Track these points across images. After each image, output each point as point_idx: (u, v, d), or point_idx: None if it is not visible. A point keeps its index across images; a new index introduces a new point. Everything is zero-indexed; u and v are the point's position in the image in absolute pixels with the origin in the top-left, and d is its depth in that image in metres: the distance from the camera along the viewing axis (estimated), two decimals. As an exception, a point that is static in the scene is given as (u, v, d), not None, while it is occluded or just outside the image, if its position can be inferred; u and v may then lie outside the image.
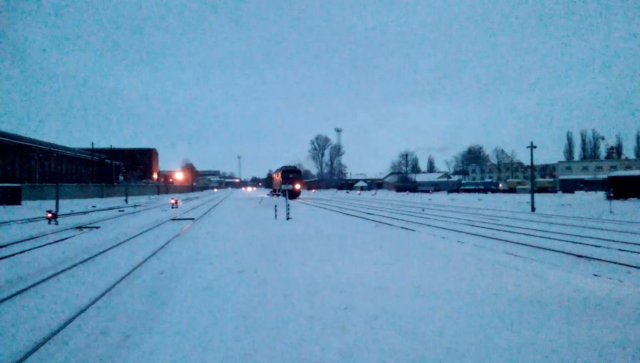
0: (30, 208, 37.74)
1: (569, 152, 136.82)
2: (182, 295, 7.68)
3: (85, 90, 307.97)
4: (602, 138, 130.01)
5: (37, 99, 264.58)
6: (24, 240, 15.83)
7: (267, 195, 74.83)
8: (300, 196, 65.10)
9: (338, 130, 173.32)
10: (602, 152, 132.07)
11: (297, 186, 60.58)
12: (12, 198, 44.05)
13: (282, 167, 68.09)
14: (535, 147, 36.75)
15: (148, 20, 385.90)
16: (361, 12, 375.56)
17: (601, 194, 63.00)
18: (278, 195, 60.02)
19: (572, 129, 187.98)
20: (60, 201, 34.36)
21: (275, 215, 25.50)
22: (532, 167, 39.32)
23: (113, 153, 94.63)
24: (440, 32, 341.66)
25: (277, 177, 68.55)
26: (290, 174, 62.58)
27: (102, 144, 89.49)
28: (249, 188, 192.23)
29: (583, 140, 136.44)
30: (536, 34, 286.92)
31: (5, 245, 14.42)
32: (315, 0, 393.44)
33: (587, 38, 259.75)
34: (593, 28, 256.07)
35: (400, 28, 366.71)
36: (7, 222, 23.43)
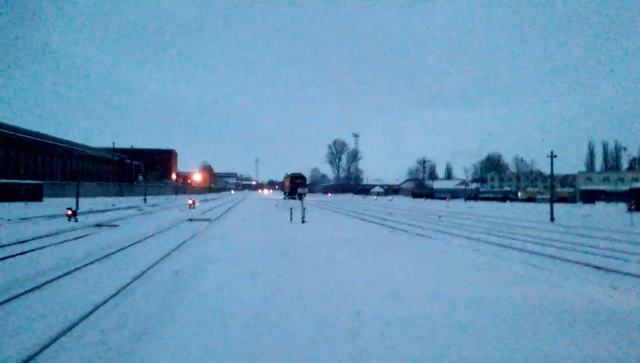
0: (51, 205, 38.47)
1: (590, 162, 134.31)
2: (196, 295, 7.75)
3: (107, 90, 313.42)
4: (625, 149, 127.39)
5: (60, 98, 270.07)
6: (45, 236, 16.15)
7: (283, 198, 78.09)
8: (305, 197, 73.83)
9: (356, 135, 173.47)
10: (624, 163, 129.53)
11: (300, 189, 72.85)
12: (34, 195, 44.98)
13: (291, 173, 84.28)
14: (555, 156, 36.20)
15: (170, 21, 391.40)
16: (383, 16, 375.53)
17: (622, 206, 61.72)
18: (294, 198, 66.97)
19: (594, 138, 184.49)
20: (81, 199, 34.94)
21: (291, 219, 25.58)
22: (552, 176, 38.77)
23: (133, 153, 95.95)
24: (460, 39, 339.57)
25: (287, 182, 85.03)
26: (297, 179, 77.71)
27: (123, 143, 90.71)
28: (266, 191, 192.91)
29: (605, 151, 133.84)
30: (558, 39, 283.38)
31: (26, 241, 14.73)
32: (337, 3, 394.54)
33: (610, 45, 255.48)
34: (617, 35, 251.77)
35: (421, 33, 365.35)
36: (29, 218, 23.93)
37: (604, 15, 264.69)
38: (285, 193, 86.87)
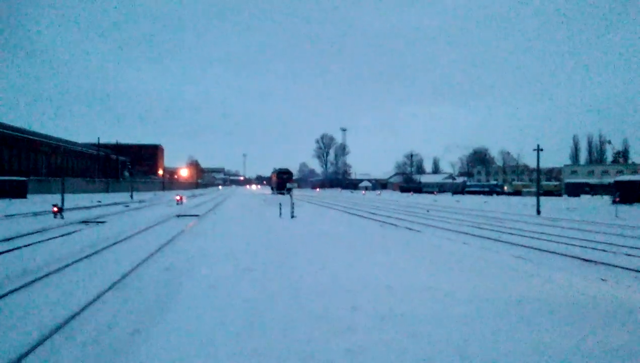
0: (36, 201, 37.91)
1: (575, 155, 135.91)
2: (189, 292, 7.67)
3: (92, 85, 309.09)
4: (609, 142, 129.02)
5: (44, 93, 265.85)
6: (31, 234, 15.90)
7: (271, 193, 78.98)
8: (292, 192, 78.74)
9: (343, 130, 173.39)
10: (609, 156, 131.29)
11: (289, 184, 76.04)
12: (18, 191, 44.28)
13: (278, 169, 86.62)
14: (541, 150, 36.53)
15: (156, 17, 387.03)
16: (369, 12, 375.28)
17: (607, 198, 62.64)
18: (282, 193, 68.29)
19: (579, 132, 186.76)
20: (66, 195, 34.47)
21: (280, 214, 25.52)
22: (538, 170, 39.15)
23: (119, 148, 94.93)
24: (446, 35, 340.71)
25: (274, 178, 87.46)
26: (284, 174, 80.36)
27: (108, 139, 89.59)
28: (254, 187, 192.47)
29: (589, 144, 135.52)
30: (543, 36, 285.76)
31: (11, 238, 14.48)
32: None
33: (594, 41, 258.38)
34: (601, 30, 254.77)
35: (408, 29, 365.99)
36: (13, 215, 23.55)
37: (591, 12, 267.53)
38: (272, 188, 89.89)
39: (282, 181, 74.03)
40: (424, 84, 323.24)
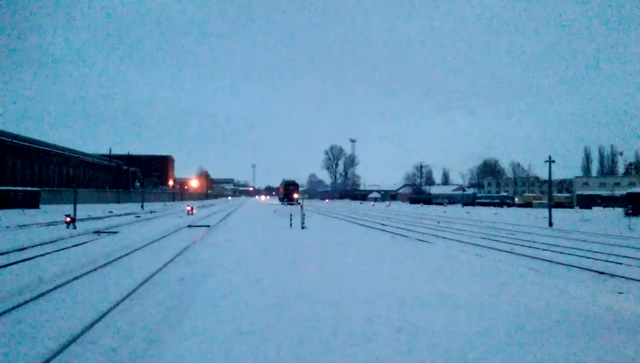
0: (49, 212, 38.28)
1: (587, 167, 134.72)
2: (204, 302, 7.70)
3: (104, 96, 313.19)
4: (621, 154, 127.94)
5: (56, 104, 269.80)
6: (45, 243, 16.05)
7: (280, 203, 79.74)
8: (299, 201, 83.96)
9: (352, 141, 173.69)
10: (621, 168, 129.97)
11: (295, 195, 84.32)
12: (31, 202, 44.80)
13: (285, 180, 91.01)
14: (553, 161, 36.30)
15: (166, 27, 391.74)
16: (379, 22, 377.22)
17: (619, 211, 61.95)
18: (292, 203, 72.60)
19: (590, 144, 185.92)
20: (78, 206, 34.74)
21: (290, 224, 25.55)
22: (549, 181, 38.84)
23: (130, 159, 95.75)
24: (457, 45, 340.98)
25: (282, 189, 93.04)
26: (290, 186, 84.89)
27: (119, 150, 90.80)
28: (263, 197, 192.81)
29: (601, 156, 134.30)
30: (555, 45, 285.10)
31: (26, 248, 14.64)
32: (332, 9, 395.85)
33: (606, 50, 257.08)
34: (613, 39, 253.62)
35: (420, 39, 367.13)
36: (27, 225, 23.79)
37: (602, 22, 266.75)
38: (280, 199, 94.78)
39: (289, 192, 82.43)
40: (434, 94, 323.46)
